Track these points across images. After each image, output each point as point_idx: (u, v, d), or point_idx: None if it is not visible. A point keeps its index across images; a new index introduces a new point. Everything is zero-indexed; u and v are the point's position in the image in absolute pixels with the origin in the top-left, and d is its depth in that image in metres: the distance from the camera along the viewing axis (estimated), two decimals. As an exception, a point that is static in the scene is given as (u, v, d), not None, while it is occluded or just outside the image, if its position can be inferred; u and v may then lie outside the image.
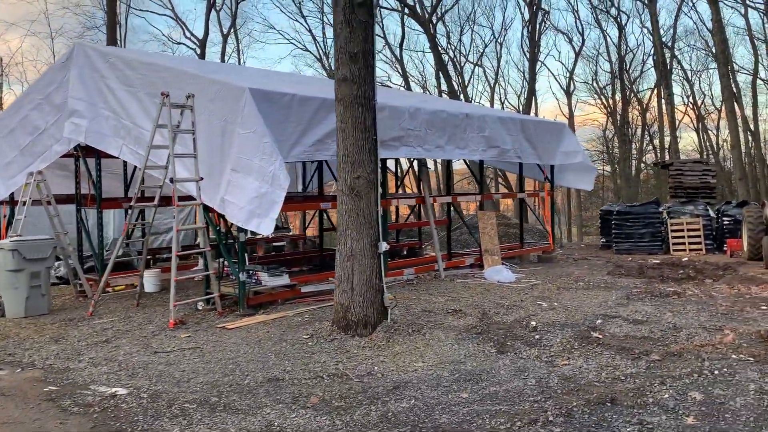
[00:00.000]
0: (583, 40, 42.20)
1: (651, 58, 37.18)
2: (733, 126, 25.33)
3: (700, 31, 38.04)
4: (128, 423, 4.80)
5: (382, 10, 37.20)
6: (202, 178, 8.50)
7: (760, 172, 33.69)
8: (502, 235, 19.46)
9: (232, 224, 8.92)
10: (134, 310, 9.19)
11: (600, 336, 6.87)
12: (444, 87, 34.44)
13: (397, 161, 15.53)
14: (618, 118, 39.87)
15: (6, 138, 11.61)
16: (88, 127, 10.16)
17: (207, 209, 9.05)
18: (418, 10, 34.24)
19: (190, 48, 33.50)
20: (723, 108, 31.30)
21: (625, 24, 40.18)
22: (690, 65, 43.37)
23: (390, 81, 40.67)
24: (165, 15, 35.51)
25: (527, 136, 13.02)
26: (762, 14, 33.97)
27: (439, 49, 35.81)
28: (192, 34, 33.91)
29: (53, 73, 11.01)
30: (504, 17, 66.39)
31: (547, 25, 38.99)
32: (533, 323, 7.49)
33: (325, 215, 14.92)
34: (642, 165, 41.65)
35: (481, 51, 41.99)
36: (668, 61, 34.38)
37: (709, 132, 41.27)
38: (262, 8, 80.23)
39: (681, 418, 4.59)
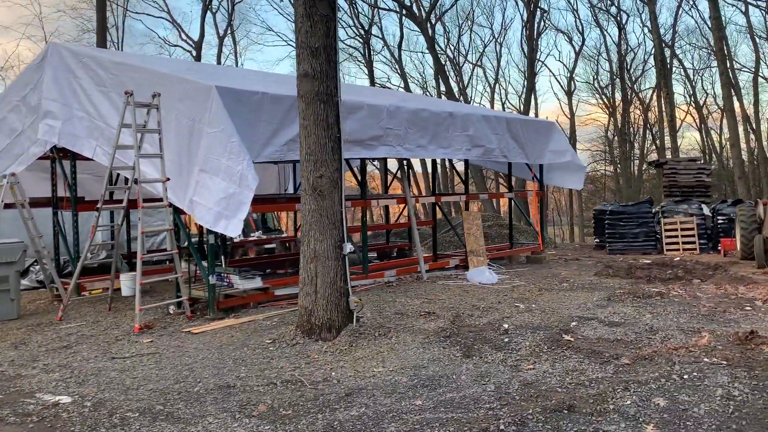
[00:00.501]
0: (584, 40, 41.81)
1: (652, 57, 36.85)
2: (733, 124, 25.01)
3: (702, 30, 37.72)
4: (62, 433, 4.60)
5: (379, 10, 37.14)
6: (168, 179, 8.31)
7: (763, 170, 33.27)
8: (496, 235, 19.23)
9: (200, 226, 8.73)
10: (105, 314, 8.99)
11: (571, 339, 6.63)
12: (444, 88, 34.24)
13: (385, 162, 15.32)
14: (619, 118, 39.54)
15: (-14, 141, 11.47)
16: (62, 129, 9.99)
17: (178, 211, 8.88)
18: (415, 11, 34.07)
19: (186, 50, 33.43)
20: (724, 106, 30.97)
21: (626, 23, 39.96)
22: (692, 64, 42.99)
23: (390, 82, 40.54)
24: (161, 18, 35.45)
25: (514, 135, 12.78)
26: (763, 12, 33.68)
27: (438, 49, 35.63)
28: (188, 37, 33.86)
29: (29, 74, 10.84)
30: (504, 17, 66.15)
31: (546, 25, 38.76)
32: (505, 326, 7.25)
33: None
34: (644, 165, 41.27)
35: (481, 51, 41.78)
36: (668, 60, 34.07)
37: (712, 131, 40.93)
38: (259, 10, 79.94)
39: (641, 427, 4.35)
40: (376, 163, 19.43)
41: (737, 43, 58.69)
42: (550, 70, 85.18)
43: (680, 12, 36.88)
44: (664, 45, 33.58)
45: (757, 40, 33.78)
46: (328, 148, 6.74)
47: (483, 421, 4.52)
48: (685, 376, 5.32)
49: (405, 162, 12.65)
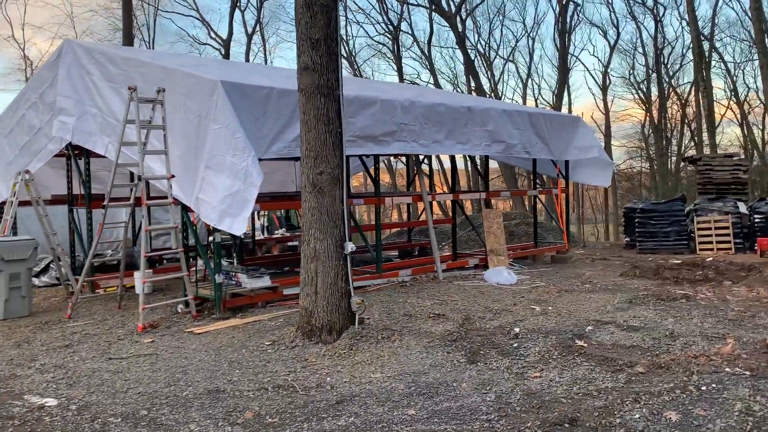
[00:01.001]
0: (618, 34, 40.80)
1: (690, 50, 35.71)
2: (774, 119, 24.01)
3: (743, 22, 36.39)
4: (39, 439, 4.45)
5: (409, 6, 36.78)
6: (173, 176, 8.17)
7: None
8: (523, 234, 18.75)
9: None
10: (114, 312, 8.91)
11: (585, 345, 6.26)
12: (474, 84, 33.74)
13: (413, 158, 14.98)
14: (655, 113, 38.48)
15: (6, 138, 11.53)
16: (75, 126, 9.95)
17: (186, 208, 8.74)
18: (445, 6, 33.63)
19: (216, 49, 33.58)
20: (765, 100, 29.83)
21: (662, 16, 38.50)
22: (733, 57, 41.64)
23: (419, 78, 40.22)
24: (190, 16, 35.67)
25: (537, 130, 12.36)
26: (807, 1, 32.28)
27: (468, 44, 35.13)
28: (216, 35, 34.02)
29: (46, 71, 10.86)
30: (536, 11, 64.70)
31: (580, 19, 37.95)
32: (516, 330, 6.91)
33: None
34: (681, 162, 40.07)
35: (513, 46, 41.13)
36: (707, 53, 32.97)
37: (754, 127, 39.50)
38: (289, 7, 79.83)
39: (648, 444, 4.01)
40: (403, 158, 19.14)
41: (781, 35, 56.53)
42: (585, 65, 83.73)
43: (720, 3, 35.82)
44: (702, 38, 32.50)
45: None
46: (328, 143, 6.48)
47: (477, 434, 4.23)
48: (703, 388, 4.92)
49: (423, 158, 12.33)
